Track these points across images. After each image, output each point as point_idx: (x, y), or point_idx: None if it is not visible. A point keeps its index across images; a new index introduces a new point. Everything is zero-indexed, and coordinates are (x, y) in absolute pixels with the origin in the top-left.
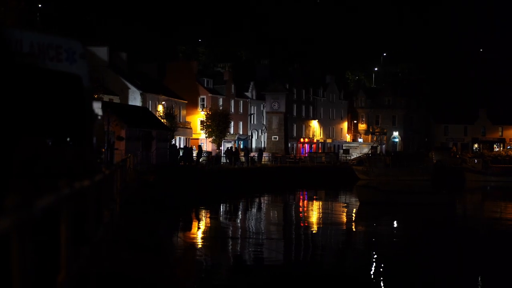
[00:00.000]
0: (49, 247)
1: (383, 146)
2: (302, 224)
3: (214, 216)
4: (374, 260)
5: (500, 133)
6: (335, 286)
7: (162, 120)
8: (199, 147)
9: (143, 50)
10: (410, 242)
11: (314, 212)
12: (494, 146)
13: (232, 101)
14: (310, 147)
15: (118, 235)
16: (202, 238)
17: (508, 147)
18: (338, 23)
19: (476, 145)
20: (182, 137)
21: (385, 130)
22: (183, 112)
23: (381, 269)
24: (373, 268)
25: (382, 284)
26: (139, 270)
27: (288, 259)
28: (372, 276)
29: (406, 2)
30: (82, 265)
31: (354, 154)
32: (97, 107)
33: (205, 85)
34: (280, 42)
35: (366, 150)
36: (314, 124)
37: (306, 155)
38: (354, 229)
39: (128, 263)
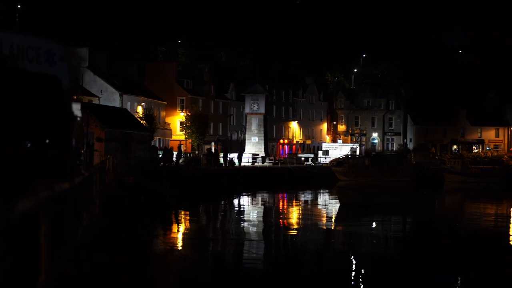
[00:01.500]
0: (28, 250)
1: (363, 147)
2: (282, 225)
3: (194, 218)
4: (354, 261)
5: (479, 134)
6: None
7: (142, 121)
8: (179, 148)
9: (123, 51)
10: (391, 243)
11: (294, 213)
12: (473, 147)
13: (212, 102)
14: (290, 148)
15: (98, 238)
16: (182, 239)
17: (487, 148)
18: (318, 24)
19: (455, 146)
20: (161, 139)
21: (364, 132)
22: (163, 113)
23: (361, 271)
24: (353, 270)
25: (361, 286)
26: (118, 273)
27: (269, 261)
28: (352, 277)
29: (385, 4)
30: (62, 268)
31: (334, 156)
32: (76, 108)
33: (185, 86)
34: (260, 43)
35: (345, 151)
36: (294, 125)
37: (286, 156)
38: (334, 230)
39: (107, 266)
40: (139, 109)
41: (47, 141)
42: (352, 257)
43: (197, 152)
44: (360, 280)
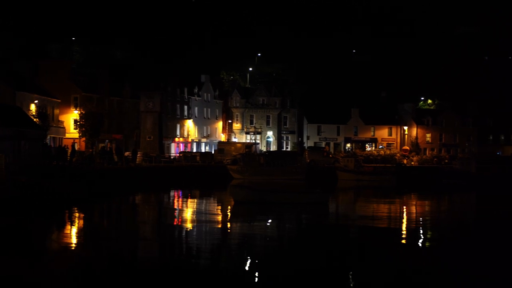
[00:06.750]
0: None
1: (258, 145)
2: (176, 223)
3: (88, 217)
4: (247, 256)
5: (372, 133)
6: (210, 284)
7: (35, 120)
8: (72, 147)
9: (16, 48)
10: (283, 239)
11: (189, 212)
12: (367, 145)
13: (107, 100)
14: (185, 147)
15: None
16: (76, 239)
17: (380, 146)
18: (213, 22)
19: (348, 145)
20: (55, 137)
21: (259, 130)
22: (56, 111)
23: (254, 266)
24: (246, 266)
25: (255, 281)
26: (13, 273)
27: (163, 258)
28: (246, 273)
29: (280, 4)
30: None
31: (229, 154)
32: None
33: (79, 84)
34: (156, 41)
35: (240, 149)
36: (189, 124)
37: (181, 154)
38: (228, 228)
39: (1, 266)
40: (32, 107)
41: None
42: (245, 253)
43: (91, 150)
44: (254, 273)
